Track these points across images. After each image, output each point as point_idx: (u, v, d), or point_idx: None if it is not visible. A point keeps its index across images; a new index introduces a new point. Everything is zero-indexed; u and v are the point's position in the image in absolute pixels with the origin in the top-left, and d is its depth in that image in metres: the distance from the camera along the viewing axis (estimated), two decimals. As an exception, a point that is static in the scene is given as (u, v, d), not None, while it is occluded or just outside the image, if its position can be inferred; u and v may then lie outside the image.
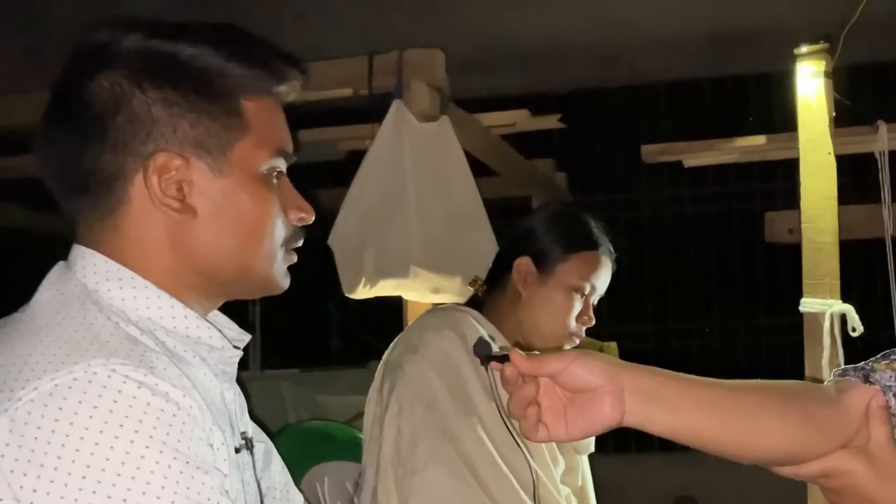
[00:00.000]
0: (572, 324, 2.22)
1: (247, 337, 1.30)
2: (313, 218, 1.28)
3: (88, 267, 1.18)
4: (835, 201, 2.78)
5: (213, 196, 1.19)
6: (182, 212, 1.18)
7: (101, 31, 1.20)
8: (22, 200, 4.17)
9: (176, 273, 1.19)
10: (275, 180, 1.24)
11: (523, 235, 2.28)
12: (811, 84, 2.80)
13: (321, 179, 3.52)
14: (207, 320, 1.23)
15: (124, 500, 1.01)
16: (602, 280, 2.26)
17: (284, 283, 1.26)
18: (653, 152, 3.43)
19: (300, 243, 1.28)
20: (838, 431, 1.21)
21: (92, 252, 1.19)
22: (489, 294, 2.28)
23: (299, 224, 1.27)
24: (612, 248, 2.28)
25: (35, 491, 1.00)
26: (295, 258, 1.27)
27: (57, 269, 1.20)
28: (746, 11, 4.07)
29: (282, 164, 1.25)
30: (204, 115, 1.18)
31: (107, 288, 1.16)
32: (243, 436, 1.26)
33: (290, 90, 1.26)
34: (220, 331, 1.23)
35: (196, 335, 1.19)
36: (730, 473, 2.58)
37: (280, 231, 1.24)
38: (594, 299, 2.27)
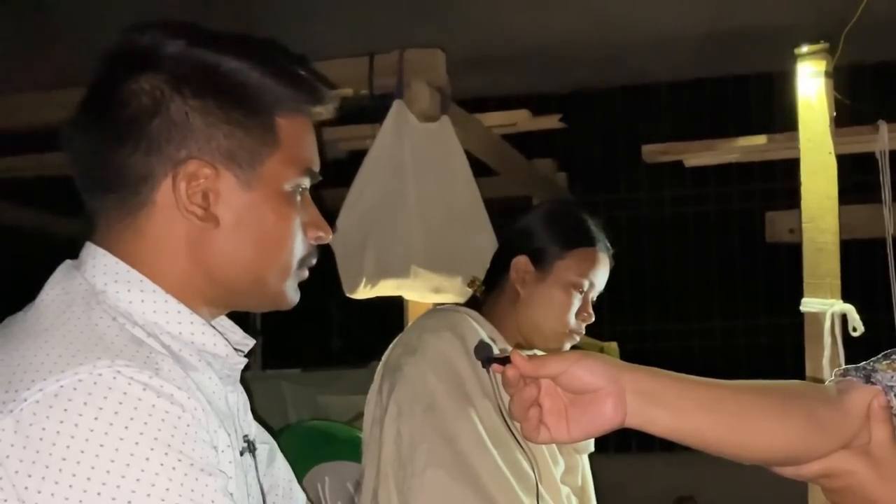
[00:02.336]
0: (572, 321, 2.22)
1: (251, 342, 1.31)
2: (331, 237, 1.29)
3: (98, 267, 1.18)
4: (835, 201, 2.78)
5: (238, 208, 1.20)
6: (205, 220, 1.19)
7: (145, 34, 1.20)
8: (24, 200, 4.18)
9: (189, 279, 1.20)
10: (298, 197, 1.24)
11: (520, 234, 2.28)
12: (812, 84, 2.80)
13: (322, 179, 3.51)
14: (213, 326, 1.23)
15: (129, 501, 1.01)
16: (600, 276, 2.26)
17: (294, 298, 1.27)
18: (653, 152, 3.43)
19: (314, 262, 1.29)
20: (839, 432, 1.21)
21: (104, 252, 1.19)
22: (488, 294, 2.28)
23: (316, 243, 1.28)
24: (608, 245, 2.28)
25: (39, 492, 1.01)
26: (306, 275, 1.28)
27: (63, 268, 1.21)
28: (747, 11, 4.07)
29: (307, 183, 1.26)
30: (239, 128, 1.19)
31: (115, 290, 1.17)
32: (245, 438, 1.27)
33: (325, 111, 1.27)
34: (224, 336, 1.23)
35: (201, 342, 1.20)
36: (731, 474, 2.58)
37: (298, 248, 1.25)
38: (593, 296, 2.27)
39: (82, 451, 1.01)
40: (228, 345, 1.23)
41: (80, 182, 1.22)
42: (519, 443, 2.07)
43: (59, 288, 1.17)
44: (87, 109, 1.22)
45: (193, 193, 1.18)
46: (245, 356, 1.27)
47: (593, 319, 2.26)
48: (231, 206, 1.20)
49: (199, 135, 1.18)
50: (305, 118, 1.25)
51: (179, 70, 1.18)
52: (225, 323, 1.30)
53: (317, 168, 1.27)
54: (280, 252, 1.23)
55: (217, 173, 1.19)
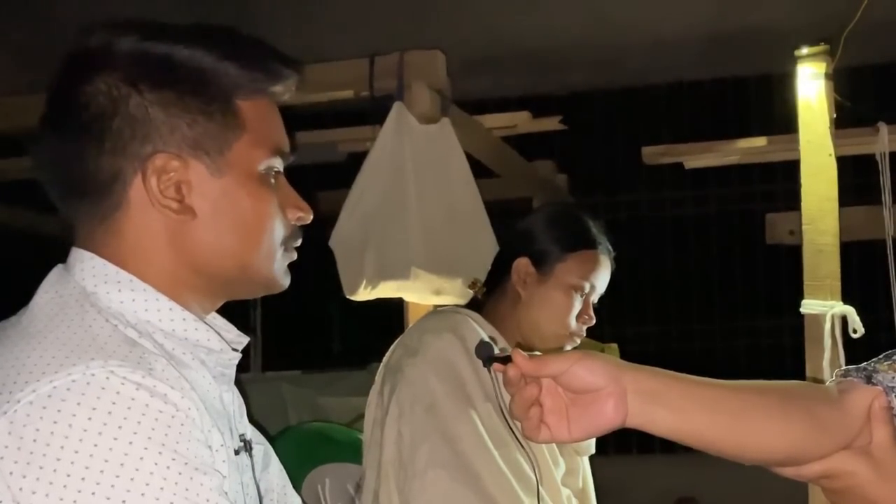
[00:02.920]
0: (572, 323, 2.22)
1: (245, 339, 1.30)
2: (311, 217, 1.28)
3: (87, 270, 1.18)
4: (835, 203, 2.78)
5: (212, 196, 1.19)
6: (181, 212, 1.18)
7: (97, 34, 1.20)
8: (22, 202, 4.18)
9: (176, 274, 1.20)
10: (273, 180, 1.24)
11: (521, 236, 2.28)
12: (812, 85, 2.80)
13: (322, 181, 3.52)
14: (206, 322, 1.23)
15: (123, 501, 1.01)
16: (601, 279, 2.26)
17: (285, 281, 1.27)
18: (654, 154, 3.43)
19: (299, 242, 1.28)
20: (840, 432, 1.21)
21: (91, 255, 1.19)
22: (489, 296, 2.28)
23: (298, 223, 1.27)
24: (610, 247, 2.28)
25: (34, 492, 1.00)
26: (294, 256, 1.28)
27: (55, 272, 1.20)
28: (747, 13, 4.07)
29: (279, 164, 1.25)
30: (201, 116, 1.19)
31: (105, 291, 1.17)
32: (242, 438, 1.26)
33: (286, 90, 1.26)
34: (218, 333, 1.23)
35: (195, 338, 1.19)
36: (732, 474, 2.58)
37: (279, 230, 1.24)
38: (594, 298, 2.27)
39: (76, 452, 1.01)
40: (222, 340, 1.22)
41: (53, 190, 1.22)
42: (520, 444, 2.07)
43: (52, 291, 1.17)
44: (48, 118, 1.21)
45: (165, 187, 1.17)
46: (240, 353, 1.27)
47: (594, 322, 2.26)
48: (205, 196, 1.19)
49: (161, 128, 1.17)
50: (267, 99, 1.24)
51: (133, 66, 1.18)
52: (218, 321, 1.29)
53: (286, 148, 1.26)
54: (261, 235, 1.22)
55: (186, 164, 1.18)
